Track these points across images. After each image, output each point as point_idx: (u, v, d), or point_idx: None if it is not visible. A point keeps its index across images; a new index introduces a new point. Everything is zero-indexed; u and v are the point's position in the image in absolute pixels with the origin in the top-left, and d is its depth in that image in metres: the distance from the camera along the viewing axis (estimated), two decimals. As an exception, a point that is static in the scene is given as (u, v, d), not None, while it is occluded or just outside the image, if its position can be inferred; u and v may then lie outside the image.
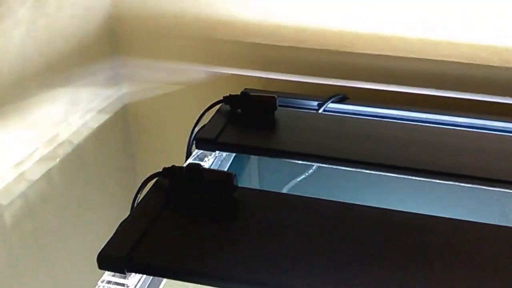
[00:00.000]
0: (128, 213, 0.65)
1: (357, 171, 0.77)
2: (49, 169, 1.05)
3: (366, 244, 0.60)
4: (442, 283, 0.54)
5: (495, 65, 0.98)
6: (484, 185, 0.73)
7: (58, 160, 1.07)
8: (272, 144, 0.81)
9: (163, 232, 0.61)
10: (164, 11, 1.13)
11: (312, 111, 0.95)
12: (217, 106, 0.88)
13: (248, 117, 0.86)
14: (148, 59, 1.20)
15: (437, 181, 0.75)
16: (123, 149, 1.31)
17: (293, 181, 0.93)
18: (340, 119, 0.90)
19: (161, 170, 0.69)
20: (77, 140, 1.12)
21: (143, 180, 0.70)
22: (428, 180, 0.75)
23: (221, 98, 0.88)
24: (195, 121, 0.87)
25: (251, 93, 0.87)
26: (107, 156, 1.24)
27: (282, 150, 0.79)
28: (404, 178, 0.76)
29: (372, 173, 0.77)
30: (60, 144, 1.07)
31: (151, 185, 0.70)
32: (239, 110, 0.87)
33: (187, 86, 1.20)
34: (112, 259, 0.57)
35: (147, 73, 1.23)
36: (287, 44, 1.08)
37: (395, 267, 0.57)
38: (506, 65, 0.97)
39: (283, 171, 0.94)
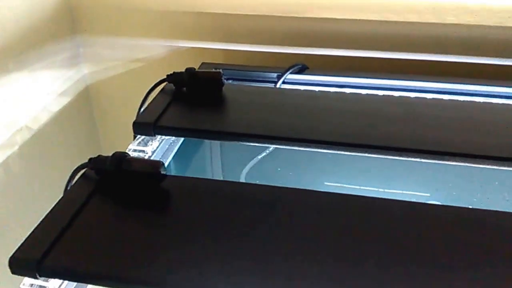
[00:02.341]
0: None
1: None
2: (8, 157, 1.01)
3: (301, 232, 0.55)
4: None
5: (451, 22, 0.92)
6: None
7: (17, 147, 1.03)
8: (216, 125, 0.75)
9: (83, 230, 0.57)
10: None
11: (268, 84, 0.90)
12: (162, 85, 0.83)
13: (193, 96, 0.81)
14: (108, 36, 1.16)
15: (408, 158, 0.69)
16: (87, 133, 1.26)
17: (251, 162, 0.88)
18: (291, 92, 0.84)
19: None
20: (36, 125, 1.08)
21: (72, 172, 0.66)
22: (399, 158, 0.69)
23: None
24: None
25: (197, 70, 0.82)
26: (70, 140, 1.19)
27: (226, 131, 0.73)
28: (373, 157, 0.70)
29: (335, 153, 0.71)
30: (18, 131, 1.03)
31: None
32: (184, 88, 0.82)
33: (148, 62, 1.16)
34: (23, 263, 0.53)
35: (108, 50, 1.18)
36: (245, 13, 1.03)
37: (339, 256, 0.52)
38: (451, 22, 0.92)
39: (242, 150, 0.89)
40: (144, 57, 1.16)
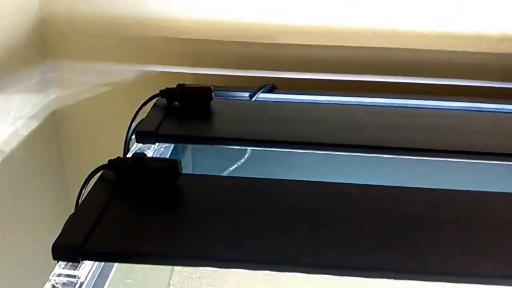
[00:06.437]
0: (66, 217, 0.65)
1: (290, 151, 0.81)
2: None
3: (308, 216, 0.64)
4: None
5: (414, 48, 1.05)
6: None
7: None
8: (211, 132, 0.83)
9: (112, 221, 0.62)
10: (92, 11, 1.12)
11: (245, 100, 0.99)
12: (154, 100, 0.90)
13: (185, 109, 0.88)
14: (77, 61, 1.19)
15: (363, 154, 0.80)
16: (53, 156, 1.29)
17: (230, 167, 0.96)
18: (272, 105, 0.94)
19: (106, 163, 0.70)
20: (7, 149, 1.10)
21: (87, 175, 0.71)
22: (360, 154, 0.81)
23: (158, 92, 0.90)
24: (127, 120, 0.87)
25: (187, 86, 0.89)
26: (37, 164, 1.22)
27: (221, 137, 0.82)
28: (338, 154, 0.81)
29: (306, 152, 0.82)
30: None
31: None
32: (176, 103, 0.89)
33: (117, 87, 1.20)
34: (67, 247, 0.58)
35: (77, 75, 1.21)
36: (215, 39, 1.11)
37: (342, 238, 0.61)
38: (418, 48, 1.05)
39: (219, 159, 0.97)
40: (111, 81, 1.20)
